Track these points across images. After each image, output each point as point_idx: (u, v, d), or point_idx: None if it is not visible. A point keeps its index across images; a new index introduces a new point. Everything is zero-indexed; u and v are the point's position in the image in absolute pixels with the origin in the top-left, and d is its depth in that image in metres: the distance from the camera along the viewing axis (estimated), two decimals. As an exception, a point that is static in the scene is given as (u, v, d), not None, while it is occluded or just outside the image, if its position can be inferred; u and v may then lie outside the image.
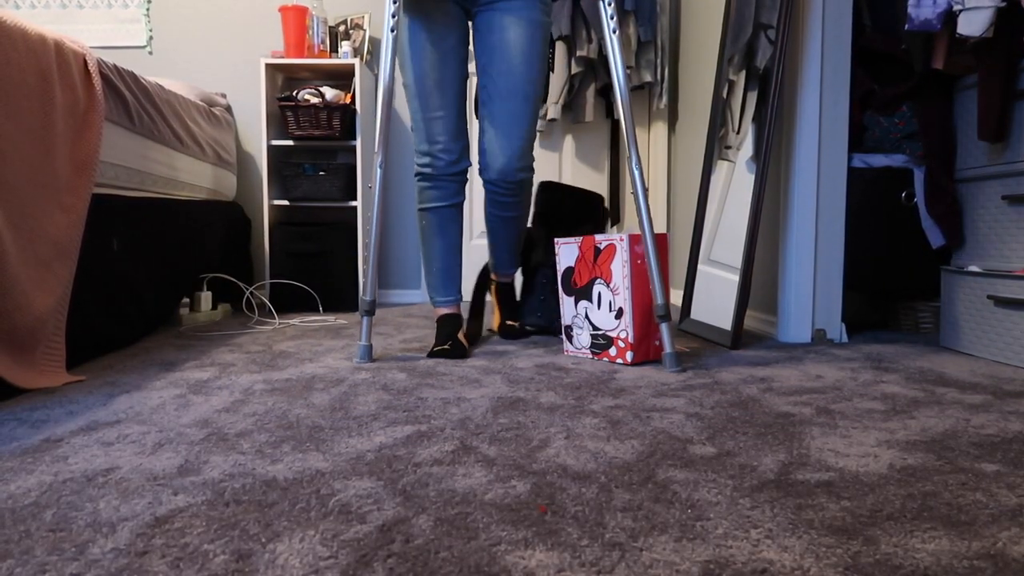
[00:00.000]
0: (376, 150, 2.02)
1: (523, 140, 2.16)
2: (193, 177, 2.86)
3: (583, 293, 2.11)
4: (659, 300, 1.93)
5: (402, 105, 3.70)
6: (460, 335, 2.17)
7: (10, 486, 1.04)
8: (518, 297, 2.61)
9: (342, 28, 3.60)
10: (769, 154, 2.26)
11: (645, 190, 1.97)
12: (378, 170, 2.02)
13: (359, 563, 0.80)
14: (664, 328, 1.92)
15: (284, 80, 3.59)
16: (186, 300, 2.80)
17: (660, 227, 3.71)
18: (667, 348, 1.91)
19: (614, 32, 1.98)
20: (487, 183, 2.23)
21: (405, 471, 1.11)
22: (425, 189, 2.21)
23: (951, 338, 2.26)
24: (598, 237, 2.05)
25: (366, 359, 2.00)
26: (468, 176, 2.26)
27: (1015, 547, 0.85)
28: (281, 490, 1.02)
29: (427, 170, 2.18)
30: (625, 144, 3.80)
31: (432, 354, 2.09)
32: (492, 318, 2.68)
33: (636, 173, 1.98)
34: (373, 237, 2.03)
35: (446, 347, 2.09)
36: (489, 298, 3.06)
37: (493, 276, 2.54)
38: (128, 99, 2.26)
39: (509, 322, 2.50)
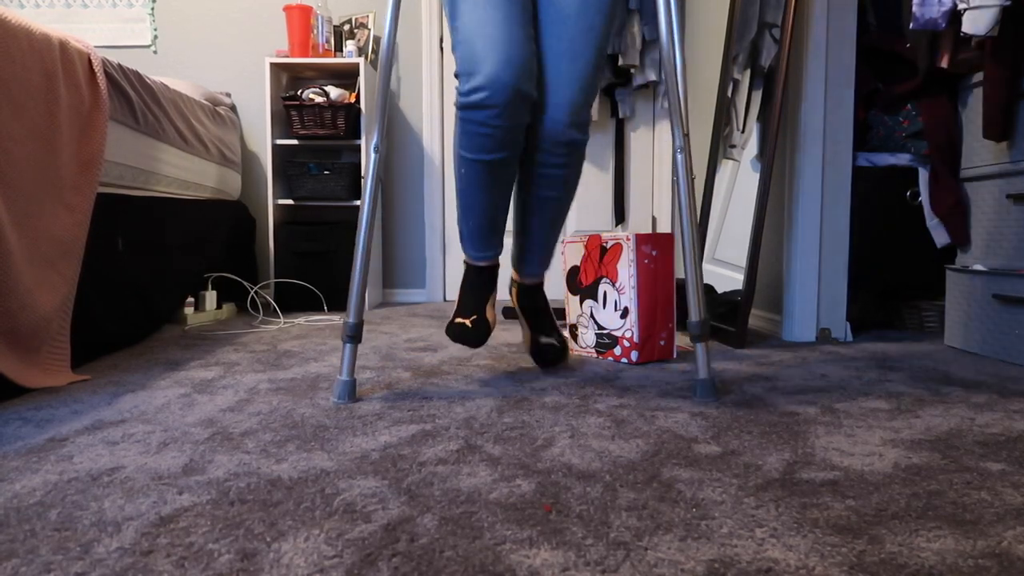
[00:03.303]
0: (373, 131, 1.59)
1: (582, 84, 1.61)
2: (198, 176, 2.87)
3: (589, 292, 2.11)
4: (694, 317, 1.56)
5: (404, 105, 3.70)
6: (488, 308, 1.74)
7: (15, 485, 1.04)
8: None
9: (347, 27, 3.60)
10: (774, 153, 2.25)
11: (690, 178, 1.56)
12: (373, 155, 1.58)
13: (364, 562, 0.80)
14: (700, 350, 1.56)
15: (289, 79, 3.59)
16: (191, 299, 2.81)
17: (665, 226, 3.70)
18: (701, 373, 1.56)
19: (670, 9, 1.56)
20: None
21: (410, 470, 1.11)
22: (471, 131, 1.54)
23: (956, 337, 2.25)
24: (604, 236, 2.05)
25: (346, 398, 1.54)
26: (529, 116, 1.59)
27: (1020, 546, 0.84)
28: (286, 489, 1.03)
29: (477, 98, 1.49)
30: (627, 143, 3.81)
31: (450, 330, 1.72)
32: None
33: (679, 158, 1.56)
34: (361, 243, 1.56)
35: (467, 323, 1.70)
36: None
37: (515, 275, 1.91)
38: (133, 98, 2.26)
39: (545, 339, 1.88)
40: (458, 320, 1.71)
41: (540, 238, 1.80)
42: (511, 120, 1.52)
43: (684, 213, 1.56)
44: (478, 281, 1.74)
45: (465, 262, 1.76)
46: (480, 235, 1.69)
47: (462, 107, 1.50)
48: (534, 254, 1.82)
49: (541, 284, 1.88)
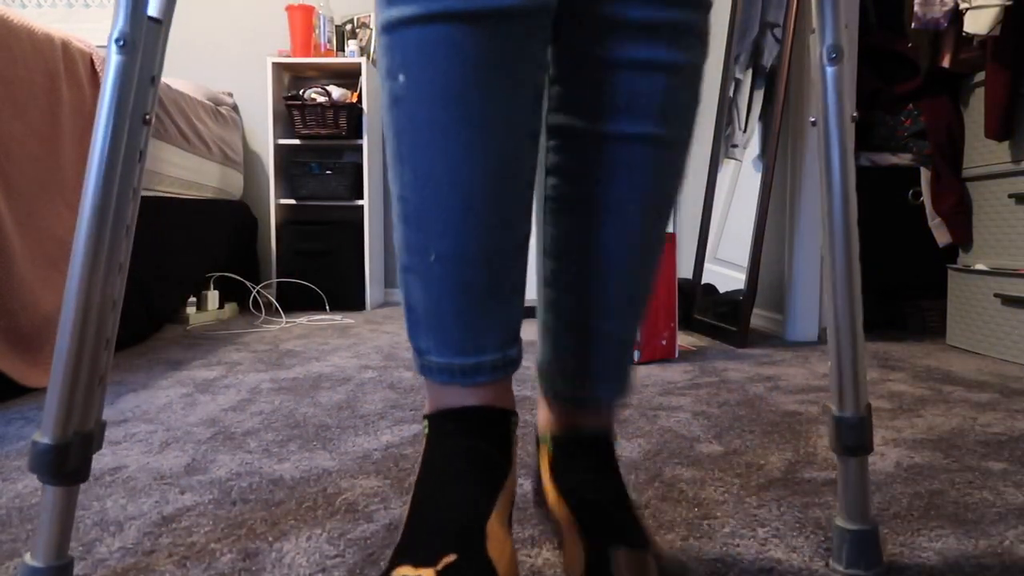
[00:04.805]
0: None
1: None
2: (200, 176, 2.87)
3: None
4: (849, 411, 0.80)
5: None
6: (495, 527, 0.64)
7: (17, 485, 1.04)
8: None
9: (349, 27, 3.60)
10: (776, 153, 2.25)
11: None
12: None
13: (366, 561, 0.80)
14: (849, 468, 0.80)
15: (291, 79, 3.59)
16: (193, 299, 2.81)
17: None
18: (851, 519, 0.80)
19: None
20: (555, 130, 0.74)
21: (412, 470, 1.11)
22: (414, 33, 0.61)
23: (958, 337, 2.25)
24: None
25: None
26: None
27: (1022, 545, 0.84)
28: (288, 489, 1.03)
29: None
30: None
31: None
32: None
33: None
34: (72, 295, 0.85)
35: None
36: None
37: (551, 414, 0.81)
38: (135, 99, 2.26)
39: (629, 555, 0.67)
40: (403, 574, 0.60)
41: (625, 287, 0.76)
42: None
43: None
44: (466, 455, 0.68)
45: (426, 416, 0.71)
46: (461, 287, 0.66)
47: None
48: (608, 341, 0.77)
49: (610, 428, 0.81)
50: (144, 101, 0.73)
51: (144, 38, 0.71)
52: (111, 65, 0.70)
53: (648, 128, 0.71)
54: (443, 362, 0.68)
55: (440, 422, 0.70)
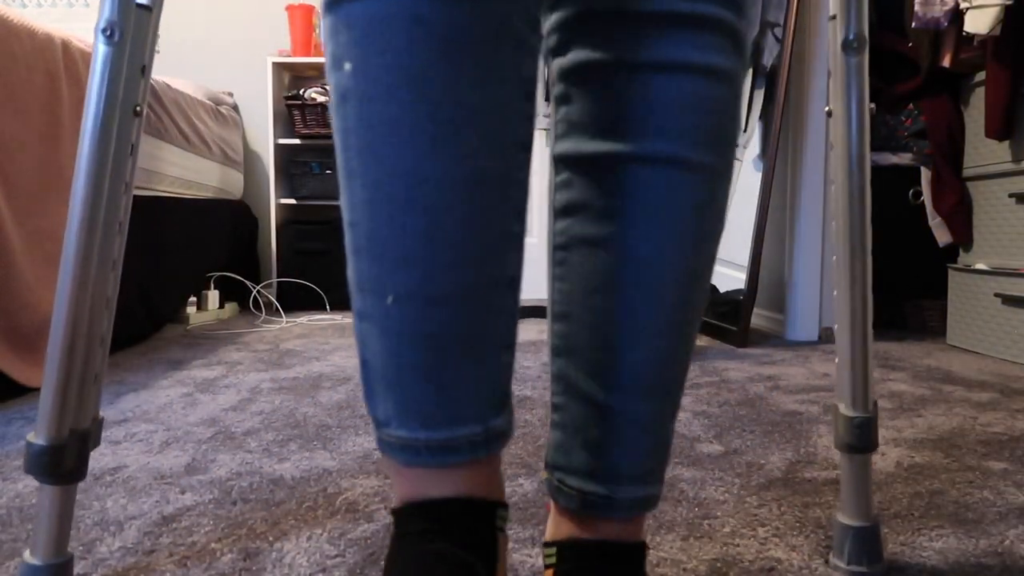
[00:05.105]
0: None
1: None
2: (200, 176, 2.87)
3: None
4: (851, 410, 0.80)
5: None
6: None
7: (17, 484, 1.04)
8: None
9: (348, 27, 3.60)
10: (776, 152, 2.25)
11: None
12: None
13: (367, 561, 0.80)
14: (849, 466, 0.81)
15: (291, 79, 3.59)
16: (193, 299, 2.81)
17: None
18: (850, 515, 0.81)
19: None
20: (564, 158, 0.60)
21: (412, 469, 1.11)
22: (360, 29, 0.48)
23: (958, 336, 2.25)
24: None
25: None
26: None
27: (1022, 545, 0.84)
28: (288, 489, 1.03)
29: None
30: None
31: None
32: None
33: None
34: (64, 289, 0.70)
35: None
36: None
37: (556, 508, 0.63)
38: (135, 98, 2.26)
39: None
40: None
41: (652, 356, 0.59)
42: None
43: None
44: (434, 566, 0.52)
45: (393, 511, 0.56)
46: (426, 336, 0.51)
47: None
48: (631, 426, 0.59)
49: (637, 540, 0.62)
50: (134, 92, 0.70)
51: (133, 27, 0.68)
52: (98, 56, 0.66)
53: (675, 148, 0.55)
54: (406, 436, 0.52)
55: (405, 519, 0.54)
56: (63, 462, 0.70)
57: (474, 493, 0.53)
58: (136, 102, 0.70)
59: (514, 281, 0.54)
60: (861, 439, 0.79)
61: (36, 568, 0.71)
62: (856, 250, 0.78)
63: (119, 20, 0.67)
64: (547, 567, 0.61)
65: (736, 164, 2.57)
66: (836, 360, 0.81)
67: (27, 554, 0.72)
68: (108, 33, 0.66)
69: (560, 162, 0.60)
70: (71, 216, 0.69)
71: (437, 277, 0.49)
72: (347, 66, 0.48)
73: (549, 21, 0.61)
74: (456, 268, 0.50)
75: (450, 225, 0.49)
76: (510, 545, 0.84)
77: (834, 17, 0.77)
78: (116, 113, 0.68)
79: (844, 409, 0.80)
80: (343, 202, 0.52)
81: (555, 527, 0.62)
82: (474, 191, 0.49)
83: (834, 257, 0.80)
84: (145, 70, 0.71)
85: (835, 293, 0.81)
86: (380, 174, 0.49)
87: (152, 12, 0.70)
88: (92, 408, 0.73)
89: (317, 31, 3.40)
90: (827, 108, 0.80)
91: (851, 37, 0.76)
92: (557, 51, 0.60)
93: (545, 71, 0.63)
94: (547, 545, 0.62)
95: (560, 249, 0.61)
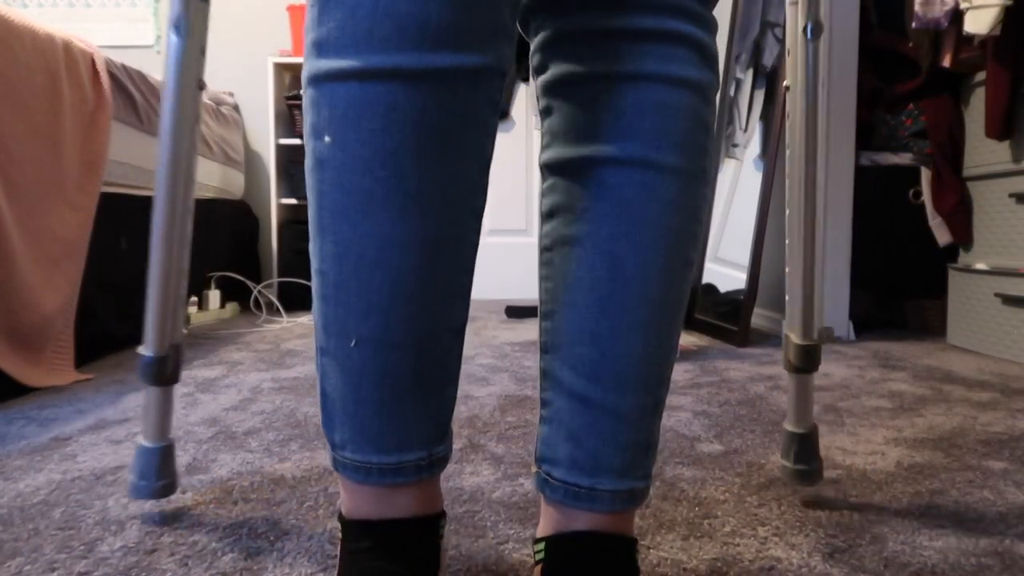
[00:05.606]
0: None
1: None
2: (201, 176, 2.87)
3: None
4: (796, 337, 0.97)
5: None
6: None
7: (19, 484, 1.04)
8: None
9: (349, 27, 3.61)
10: (776, 152, 2.25)
11: None
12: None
13: (367, 560, 0.80)
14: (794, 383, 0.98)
15: (292, 79, 3.60)
16: (194, 299, 2.81)
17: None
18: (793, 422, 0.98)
19: None
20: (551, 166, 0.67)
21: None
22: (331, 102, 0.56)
23: (958, 336, 2.25)
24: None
25: (149, 493, 0.92)
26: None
27: (1023, 544, 0.84)
28: (289, 488, 1.03)
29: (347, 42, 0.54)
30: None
31: None
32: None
33: None
34: (157, 230, 0.87)
35: None
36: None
37: (544, 502, 0.67)
38: (136, 98, 2.26)
39: None
40: None
41: (638, 348, 0.62)
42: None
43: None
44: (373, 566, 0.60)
45: (340, 519, 0.65)
46: (383, 375, 0.59)
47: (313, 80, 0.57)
48: (615, 418, 0.62)
49: (625, 534, 0.65)
50: (199, 70, 0.85)
51: (195, 18, 0.82)
52: (171, 46, 0.82)
53: (644, 151, 0.60)
54: (359, 460, 0.60)
55: (353, 535, 0.62)
56: (166, 369, 0.91)
57: (417, 511, 0.62)
58: (199, 77, 0.85)
59: (461, 330, 0.62)
60: (807, 361, 0.95)
61: (149, 449, 0.92)
62: (808, 195, 0.93)
63: (185, 14, 0.81)
64: (536, 563, 0.64)
65: (736, 164, 2.57)
66: (787, 298, 0.97)
67: (140, 438, 0.92)
68: (178, 27, 0.81)
69: (545, 169, 0.67)
70: (158, 169, 0.85)
71: (397, 326, 0.57)
72: (327, 139, 0.55)
73: (532, 43, 0.67)
74: (414, 319, 0.57)
75: (412, 282, 0.56)
76: (510, 545, 0.84)
77: (795, 3, 0.89)
78: (188, 90, 0.83)
79: (795, 338, 0.96)
80: (313, 251, 0.59)
81: (544, 523, 0.66)
82: (434, 253, 0.57)
83: (787, 211, 0.96)
84: (203, 50, 0.85)
85: (787, 241, 0.96)
86: (351, 234, 0.56)
87: (208, 3, 0.85)
88: (181, 327, 0.92)
89: (318, 31, 3.40)
90: (785, 83, 0.94)
91: (810, 24, 0.89)
92: (539, 69, 0.66)
93: (534, 87, 0.70)
94: (537, 542, 0.66)
95: (546, 251, 0.67)
